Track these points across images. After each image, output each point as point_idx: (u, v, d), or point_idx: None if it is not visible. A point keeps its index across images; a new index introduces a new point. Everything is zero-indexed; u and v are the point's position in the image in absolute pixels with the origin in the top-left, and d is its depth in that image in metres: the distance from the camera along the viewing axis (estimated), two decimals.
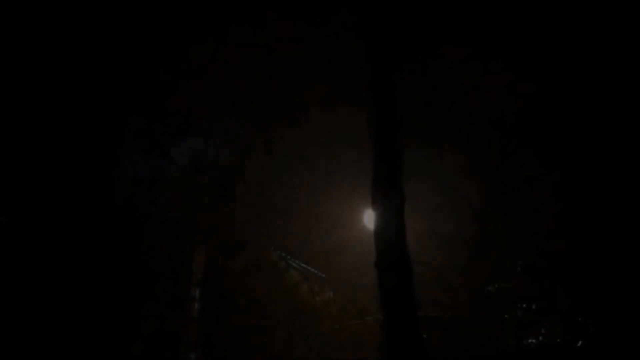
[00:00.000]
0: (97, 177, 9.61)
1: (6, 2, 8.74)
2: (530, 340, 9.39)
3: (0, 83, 8.83)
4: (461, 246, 10.20)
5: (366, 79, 6.01)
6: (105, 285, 9.47)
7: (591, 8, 9.22)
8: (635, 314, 8.56)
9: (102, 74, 9.43)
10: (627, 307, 8.72)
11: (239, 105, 10.63)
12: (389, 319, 5.08)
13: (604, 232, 9.20)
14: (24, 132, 9.08)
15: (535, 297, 9.63)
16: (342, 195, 10.61)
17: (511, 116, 10.16)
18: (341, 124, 10.39)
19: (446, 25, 9.89)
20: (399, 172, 5.52)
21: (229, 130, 10.53)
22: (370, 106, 5.76)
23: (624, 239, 8.94)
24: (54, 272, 9.08)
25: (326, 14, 10.12)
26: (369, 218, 9.70)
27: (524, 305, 9.65)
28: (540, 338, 9.35)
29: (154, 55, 9.68)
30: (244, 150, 10.66)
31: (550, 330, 9.35)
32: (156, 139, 10.05)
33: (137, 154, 9.86)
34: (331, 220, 10.97)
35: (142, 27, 9.33)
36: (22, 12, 8.92)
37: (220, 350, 10.29)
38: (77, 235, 9.37)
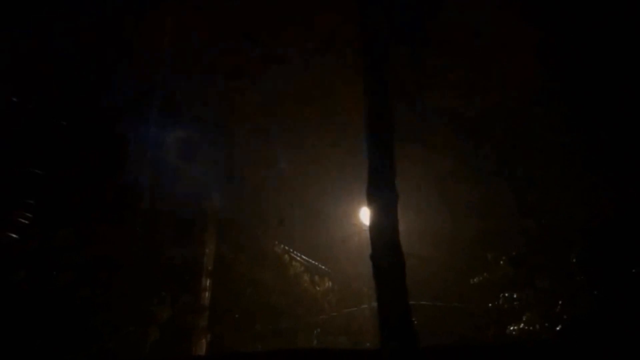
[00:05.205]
0: (116, 169, 10.00)
1: None
2: (511, 327, 9.70)
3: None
4: (450, 240, 10.53)
5: (361, 81, 5.96)
6: (120, 275, 9.87)
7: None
8: (611, 301, 8.80)
9: None
10: (603, 294, 8.97)
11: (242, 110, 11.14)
12: (383, 306, 5.16)
13: (583, 225, 9.42)
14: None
15: (517, 287, 9.94)
16: (340, 193, 10.97)
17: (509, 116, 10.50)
18: (340, 125, 10.74)
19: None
20: (392, 170, 5.51)
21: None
22: (365, 105, 5.76)
23: (603, 230, 9.12)
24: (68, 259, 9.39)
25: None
26: (364, 214, 10.02)
27: (506, 295, 9.98)
28: (521, 325, 9.63)
29: None
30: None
31: (530, 317, 9.61)
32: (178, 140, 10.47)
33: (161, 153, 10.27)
34: (330, 216, 11.38)
35: None
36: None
37: (228, 336, 10.71)
38: (91, 225, 9.70)
